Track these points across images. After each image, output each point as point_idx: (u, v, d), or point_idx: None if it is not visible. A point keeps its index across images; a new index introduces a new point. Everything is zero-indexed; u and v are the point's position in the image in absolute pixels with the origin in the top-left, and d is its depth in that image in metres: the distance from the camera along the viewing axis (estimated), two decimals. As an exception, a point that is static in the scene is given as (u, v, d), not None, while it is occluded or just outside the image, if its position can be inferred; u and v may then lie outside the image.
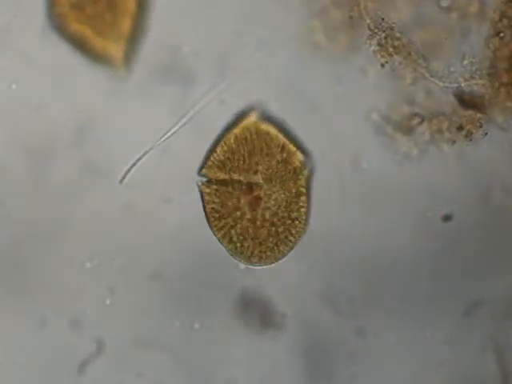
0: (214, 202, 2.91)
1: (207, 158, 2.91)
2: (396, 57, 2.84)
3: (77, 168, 2.94)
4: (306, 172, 2.91)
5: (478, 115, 2.87)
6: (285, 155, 2.90)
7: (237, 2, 2.87)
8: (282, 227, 2.91)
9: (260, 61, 2.89)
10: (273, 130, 2.90)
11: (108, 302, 2.98)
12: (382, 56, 2.84)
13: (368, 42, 2.84)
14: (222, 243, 2.92)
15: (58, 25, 2.88)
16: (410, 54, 2.84)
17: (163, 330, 2.99)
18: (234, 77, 2.89)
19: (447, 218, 2.94)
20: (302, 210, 2.91)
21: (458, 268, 2.99)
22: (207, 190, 2.91)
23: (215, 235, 2.92)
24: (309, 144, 2.92)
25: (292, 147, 2.90)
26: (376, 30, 2.83)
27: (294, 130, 2.92)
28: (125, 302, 2.98)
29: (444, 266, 2.99)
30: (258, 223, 2.91)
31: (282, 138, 2.90)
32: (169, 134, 2.91)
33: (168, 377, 3.01)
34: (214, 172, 2.91)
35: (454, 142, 2.89)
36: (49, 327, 2.98)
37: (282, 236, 2.92)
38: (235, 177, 2.90)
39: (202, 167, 2.92)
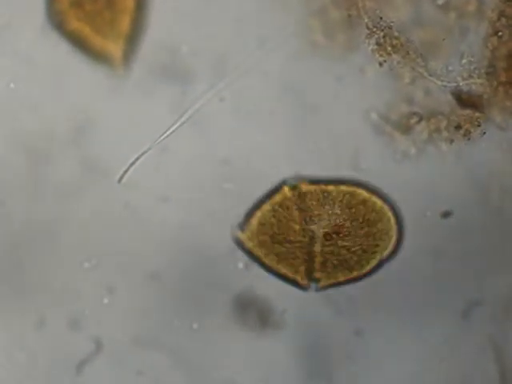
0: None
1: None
2: (394, 56, 2.85)
3: (75, 167, 2.94)
4: (287, 190, 2.90)
5: (477, 114, 2.87)
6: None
7: (235, 1, 2.88)
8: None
9: (259, 60, 2.89)
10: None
11: (106, 301, 2.98)
12: (381, 55, 2.85)
13: (366, 41, 2.85)
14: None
15: (57, 23, 2.89)
16: (408, 53, 2.85)
17: (162, 330, 2.99)
18: (232, 76, 2.90)
19: (447, 214, 2.95)
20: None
21: (457, 268, 2.99)
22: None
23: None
24: (307, 143, 2.92)
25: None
26: (374, 29, 2.84)
27: (287, 126, 2.92)
28: (123, 301, 2.98)
29: (443, 265, 2.99)
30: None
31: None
32: (168, 133, 2.91)
33: (167, 376, 3.01)
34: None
35: (452, 140, 2.90)
36: (47, 327, 2.98)
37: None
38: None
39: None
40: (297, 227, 2.89)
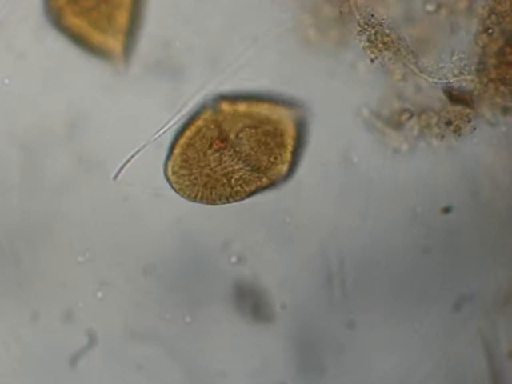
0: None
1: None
2: (386, 53, 2.86)
3: (71, 163, 2.94)
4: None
5: (467, 110, 2.88)
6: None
7: (229, -3, 2.89)
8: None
9: (252, 55, 2.89)
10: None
11: (100, 295, 2.99)
12: (372, 52, 2.85)
13: (358, 37, 2.86)
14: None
15: (54, 18, 2.89)
16: (399, 49, 2.86)
17: (155, 323, 3.00)
18: (226, 72, 2.90)
19: (447, 210, 2.96)
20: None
21: (448, 262, 3.01)
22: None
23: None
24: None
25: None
26: (366, 26, 2.85)
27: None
28: (117, 295, 2.99)
29: (434, 260, 3.00)
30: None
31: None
32: (163, 130, 2.91)
33: (160, 369, 3.02)
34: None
35: (442, 136, 2.91)
36: (41, 320, 2.99)
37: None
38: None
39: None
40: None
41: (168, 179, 2.90)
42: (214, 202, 2.90)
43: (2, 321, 2.99)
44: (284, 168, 2.90)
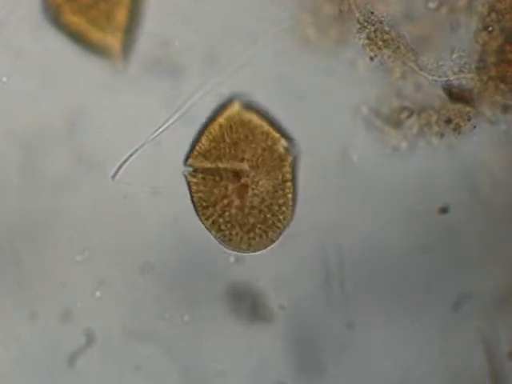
0: (200, 191, 2.92)
1: (192, 147, 2.92)
2: (385, 50, 2.86)
3: (70, 162, 2.94)
4: (290, 158, 2.91)
5: (467, 109, 2.88)
6: (269, 142, 2.91)
7: (228, -5, 2.90)
8: (270, 213, 2.92)
9: (251, 54, 2.89)
10: (256, 118, 2.91)
11: (98, 294, 2.98)
12: (372, 50, 2.85)
13: (357, 35, 2.86)
14: (210, 232, 2.93)
15: (53, 16, 2.89)
16: (399, 47, 2.85)
17: (153, 323, 3.00)
18: (226, 71, 2.90)
19: (444, 210, 2.96)
20: (289, 195, 2.92)
21: (448, 261, 3.00)
22: (194, 180, 2.92)
23: (204, 224, 2.93)
24: (298, 138, 2.93)
25: (275, 134, 2.91)
26: (365, 24, 2.84)
27: (282, 122, 2.92)
28: (115, 294, 2.99)
29: (433, 258, 3.00)
30: (246, 210, 2.91)
31: (265, 125, 2.91)
32: (161, 129, 2.91)
33: (158, 368, 3.02)
34: (199, 161, 2.92)
35: (442, 135, 2.91)
36: (39, 320, 2.99)
37: (269, 222, 2.93)
38: (221, 165, 2.91)
39: (187, 157, 2.92)
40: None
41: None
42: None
43: (1, 320, 2.98)
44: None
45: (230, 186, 2.91)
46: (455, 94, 2.88)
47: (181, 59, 2.92)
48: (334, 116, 2.93)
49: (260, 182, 2.90)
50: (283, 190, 2.91)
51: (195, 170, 2.92)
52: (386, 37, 2.84)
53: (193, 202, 2.93)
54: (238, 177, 2.91)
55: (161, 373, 3.03)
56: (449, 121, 2.89)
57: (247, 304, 3.02)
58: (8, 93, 2.93)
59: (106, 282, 2.98)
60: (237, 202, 2.91)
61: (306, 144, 2.94)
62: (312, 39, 2.89)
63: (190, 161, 2.92)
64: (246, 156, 2.90)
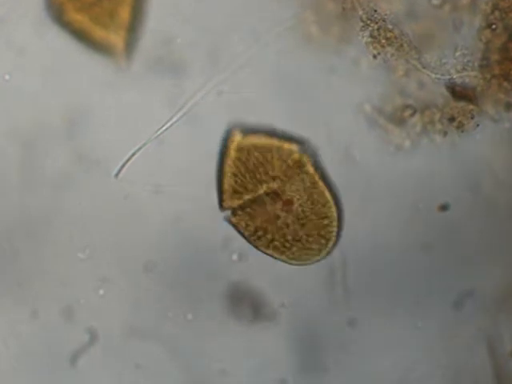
0: (249, 226, 2.91)
1: (220, 192, 2.91)
2: (388, 48, 2.86)
3: (71, 159, 2.94)
4: (308, 159, 2.91)
5: (470, 107, 2.88)
6: (283, 155, 2.90)
7: (231, -7, 2.90)
8: (318, 217, 2.92)
9: (254, 52, 2.90)
10: (261, 138, 2.90)
11: (101, 292, 2.98)
12: (375, 47, 2.85)
13: (361, 33, 2.86)
14: (279, 259, 2.92)
15: (56, 14, 2.89)
16: (402, 45, 2.86)
17: (156, 321, 3.00)
18: (229, 69, 2.90)
19: (444, 208, 2.96)
20: (326, 193, 2.91)
21: (449, 259, 3.00)
22: (237, 219, 2.91)
23: (271, 255, 2.92)
24: (302, 135, 2.93)
25: (286, 145, 2.90)
26: (369, 22, 2.85)
27: (284, 121, 2.92)
28: (118, 292, 2.98)
29: (435, 256, 3.00)
30: (301, 221, 2.91)
31: (273, 140, 2.90)
32: (164, 127, 2.91)
33: (160, 366, 3.01)
34: (233, 201, 2.91)
35: (445, 133, 2.91)
36: (41, 318, 2.98)
37: (322, 224, 2.92)
38: (255, 194, 2.91)
39: (220, 203, 2.92)
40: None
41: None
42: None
43: (2, 318, 2.98)
44: None
45: (275, 207, 2.90)
46: (458, 92, 2.88)
47: (183, 57, 2.92)
48: (336, 114, 2.93)
49: (298, 192, 2.89)
50: (317, 189, 2.90)
51: (233, 211, 2.91)
52: (389, 35, 2.84)
53: (246, 238, 2.92)
54: (277, 195, 2.90)
55: (162, 371, 3.02)
56: (452, 119, 2.89)
57: (249, 303, 3.01)
58: (10, 90, 2.93)
59: (108, 280, 2.97)
60: (290, 219, 2.90)
61: (309, 142, 2.94)
62: (315, 37, 2.89)
63: (224, 204, 2.92)
64: (272, 174, 2.89)
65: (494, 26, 2.85)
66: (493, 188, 2.98)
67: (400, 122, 2.91)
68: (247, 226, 2.92)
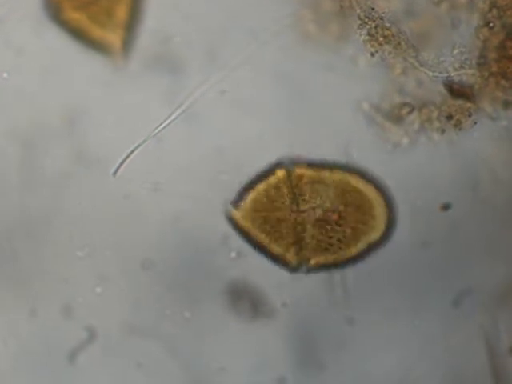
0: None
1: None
2: (386, 46, 2.86)
3: (70, 158, 2.94)
4: (281, 173, 2.91)
5: (468, 105, 2.88)
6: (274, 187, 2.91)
7: (229, -8, 2.90)
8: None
9: (252, 51, 2.90)
10: (253, 202, 2.91)
11: (99, 290, 2.98)
12: (372, 46, 2.85)
13: (358, 31, 2.86)
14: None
15: (53, 12, 2.89)
16: (400, 43, 2.86)
17: (154, 319, 3.00)
18: (227, 67, 2.90)
19: (446, 207, 2.96)
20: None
21: (449, 256, 3.00)
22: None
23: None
24: (299, 133, 2.93)
25: (270, 180, 2.92)
26: (366, 20, 2.85)
27: (281, 118, 2.93)
28: (116, 290, 2.99)
29: (434, 254, 3.00)
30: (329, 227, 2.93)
31: (260, 188, 2.92)
32: (162, 125, 2.91)
33: (159, 364, 3.02)
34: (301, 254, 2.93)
35: (443, 131, 2.91)
36: (39, 316, 2.98)
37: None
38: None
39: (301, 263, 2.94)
40: (288, 209, 2.91)
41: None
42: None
43: (0, 316, 2.98)
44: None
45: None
46: (456, 90, 2.88)
47: (181, 56, 2.92)
48: (334, 112, 2.93)
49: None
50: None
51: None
52: (386, 33, 2.84)
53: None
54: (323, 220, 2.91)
55: (162, 370, 3.03)
56: (450, 117, 2.89)
57: (248, 301, 3.02)
58: (8, 89, 2.93)
59: (107, 279, 2.98)
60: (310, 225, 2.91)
61: (306, 139, 2.94)
62: (313, 35, 2.89)
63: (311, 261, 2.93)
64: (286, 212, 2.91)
65: (491, 24, 2.85)
66: (491, 186, 2.98)
67: (398, 119, 2.91)
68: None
